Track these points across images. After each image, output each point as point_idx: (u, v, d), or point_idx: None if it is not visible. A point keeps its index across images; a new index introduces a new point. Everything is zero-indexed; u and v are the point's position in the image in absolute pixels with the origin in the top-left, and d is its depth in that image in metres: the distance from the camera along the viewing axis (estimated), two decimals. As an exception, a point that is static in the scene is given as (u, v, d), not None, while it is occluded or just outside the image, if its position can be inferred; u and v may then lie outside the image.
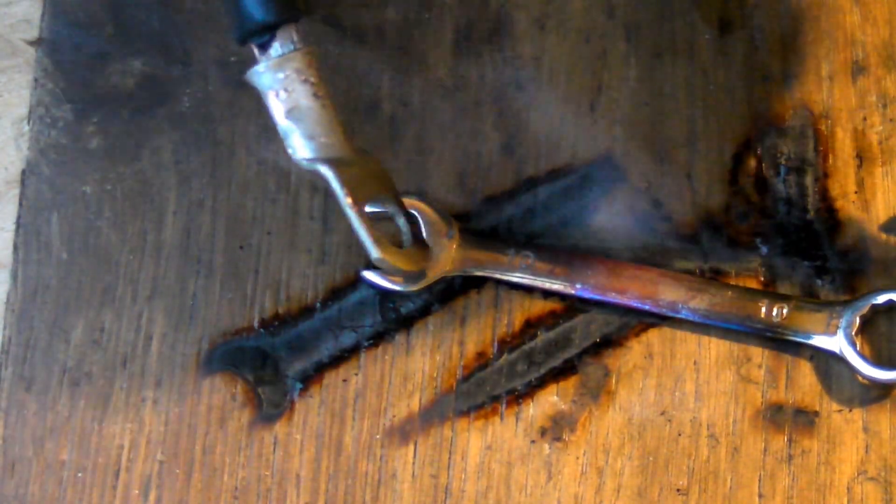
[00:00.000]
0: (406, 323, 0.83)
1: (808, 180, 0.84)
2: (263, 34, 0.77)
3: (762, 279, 0.83)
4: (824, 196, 0.84)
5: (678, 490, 0.81)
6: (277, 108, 0.76)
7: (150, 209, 0.84)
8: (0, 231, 0.84)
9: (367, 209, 0.77)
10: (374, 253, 0.76)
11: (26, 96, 0.85)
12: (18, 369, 0.82)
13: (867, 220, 0.83)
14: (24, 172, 0.84)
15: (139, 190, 0.84)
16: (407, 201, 0.81)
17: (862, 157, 0.84)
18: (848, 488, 0.80)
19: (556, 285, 0.82)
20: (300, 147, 0.76)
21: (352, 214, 0.76)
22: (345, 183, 0.75)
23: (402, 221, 0.80)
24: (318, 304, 0.83)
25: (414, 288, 0.81)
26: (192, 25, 0.85)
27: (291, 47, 0.76)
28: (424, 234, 0.82)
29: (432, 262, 0.81)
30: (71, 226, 0.84)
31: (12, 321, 0.83)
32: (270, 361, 0.82)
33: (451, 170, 0.84)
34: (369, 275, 0.81)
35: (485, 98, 0.85)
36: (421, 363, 0.82)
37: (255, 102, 0.84)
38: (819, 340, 0.80)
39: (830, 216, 0.83)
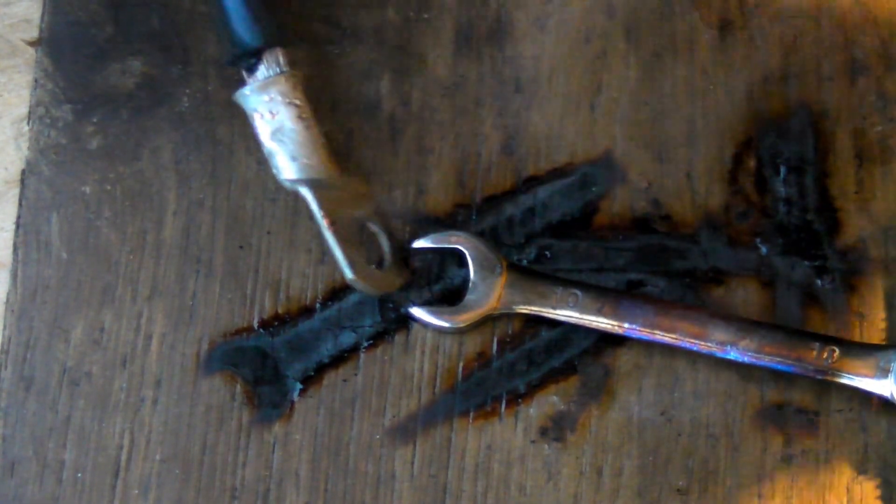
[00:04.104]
0: (406, 323, 0.82)
1: (808, 180, 0.84)
2: (250, 57, 0.79)
3: (762, 279, 0.83)
4: (824, 196, 0.83)
5: (678, 490, 0.81)
6: (263, 129, 0.79)
7: (149, 209, 0.84)
8: (0, 231, 0.84)
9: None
10: (349, 274, 0.78)
11: (26, 96, 0.85)
12: (18, 369, 0.82)
13: (867, 219, 0.83)
14: (23, 172, 0.84)
15: (139, 190, 0.84)
16: (454, 238, 0.81)
17: (862, 157, 0.84)
18: (848, 488, 0.80)
19: (604, 324, 0.81)
20: (284, 167, 0.79)
21: (328, 235, 0.78)
22: (323, 204, 0.78)
23: (384, 241, 0.81)
24: (318, 304, 0.83)
25: (461, 325, 0.81)
26: (191, 25, 0.85)
27: (277, 70, 0.79)
28: (471, 271, 0.81)
29: (402, 279, 0.82)
30: (71, 226, 0.84)
31: (12, 321, 0.83)
32: (270, 361, 0.82)
33: (451, 169, 0.84)
34: (417, 311, 0.81)
35: (485, 98, 0.85)
36: (420, 363, 0.82)
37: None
38: (869, 384, 0.79)
39: (830, 216, 0.83)
